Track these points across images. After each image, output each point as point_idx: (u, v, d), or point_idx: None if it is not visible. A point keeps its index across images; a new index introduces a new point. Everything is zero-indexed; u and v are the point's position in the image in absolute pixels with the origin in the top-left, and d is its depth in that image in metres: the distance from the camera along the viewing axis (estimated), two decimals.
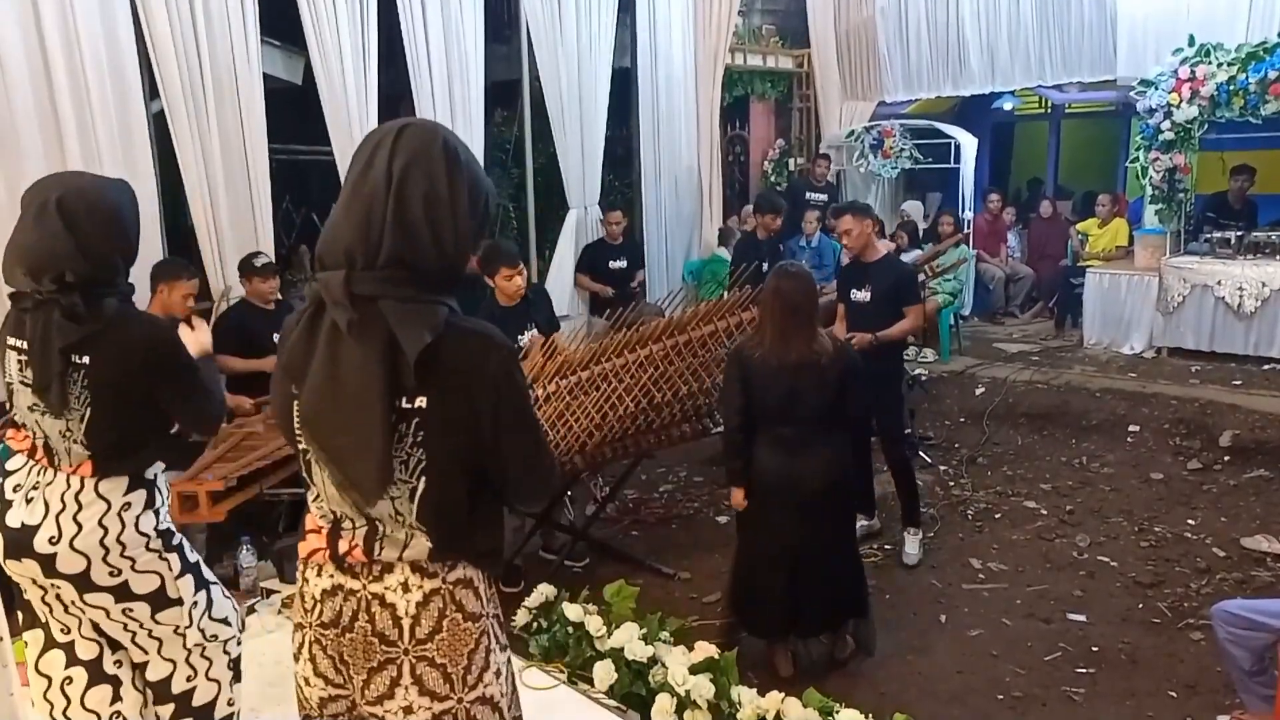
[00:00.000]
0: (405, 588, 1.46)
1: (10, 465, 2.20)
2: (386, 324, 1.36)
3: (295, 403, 1.46)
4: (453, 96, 5.97)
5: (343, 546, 1.48)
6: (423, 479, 1.43)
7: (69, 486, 2.10)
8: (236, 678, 2.39)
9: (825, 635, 3.51)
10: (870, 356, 4.04)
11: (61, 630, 2.25)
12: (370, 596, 1.47)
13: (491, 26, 6.26)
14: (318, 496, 1.52)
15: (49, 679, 2.28)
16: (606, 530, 4.67)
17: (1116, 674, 3.39)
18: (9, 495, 2.15)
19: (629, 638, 3.01)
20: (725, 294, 5.04)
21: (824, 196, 8.75)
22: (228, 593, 2.39)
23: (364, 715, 1.52)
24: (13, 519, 2.11)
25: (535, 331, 4.34)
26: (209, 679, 2.31)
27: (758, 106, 9.55)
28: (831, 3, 9.46)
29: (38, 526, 2.08)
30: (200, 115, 4.78)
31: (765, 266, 6.39)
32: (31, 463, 2.16)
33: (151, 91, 4.67)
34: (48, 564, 2.08)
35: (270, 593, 3.76)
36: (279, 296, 4.83)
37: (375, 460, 1.38)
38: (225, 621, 2.32)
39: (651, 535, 4.73)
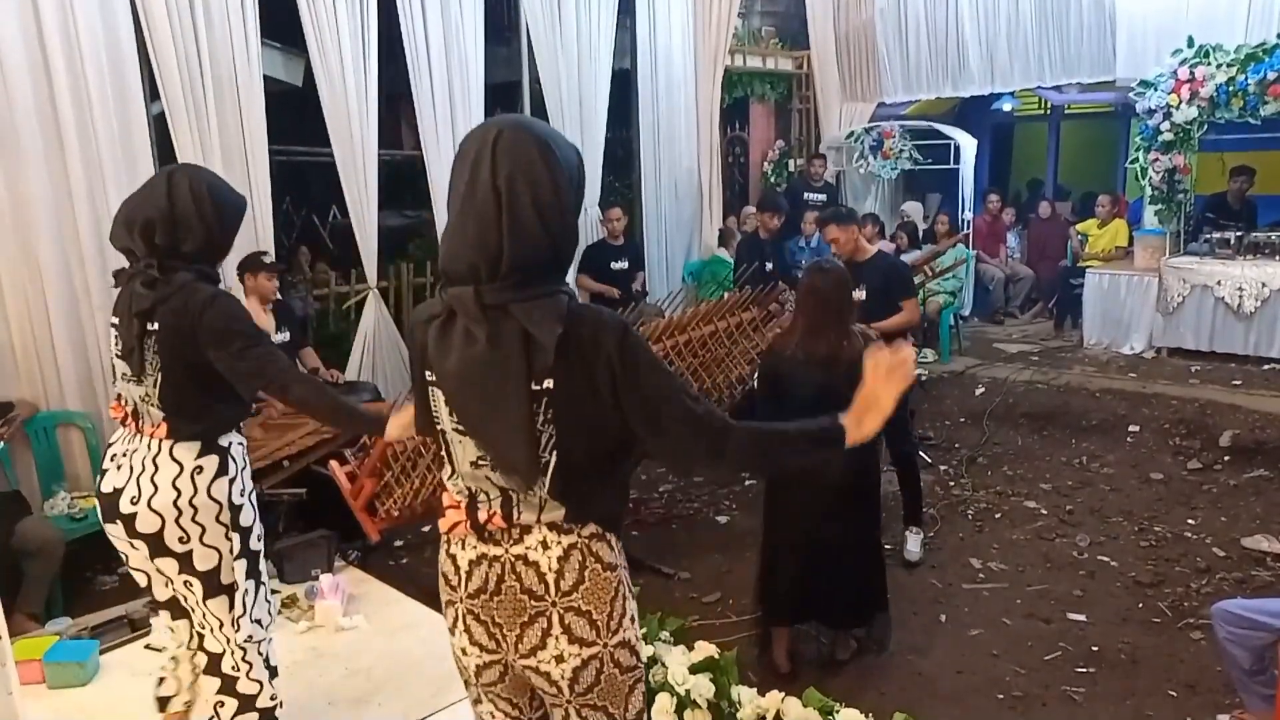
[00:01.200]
0: (545, 545, 1.58)
1: (112, 438, 2.38)
2: (518, 323, 1.48)
3: (431, 391, 1.60)
4: (453, 98, 5.97)
5: (482, 516, 1.60)
6: (554, 453, 1.54)
7: (149, 449, 2.27)
8: (273, 674, 2.49)
9: (853, 630, 3.52)
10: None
11: (163, 585, 2.40)
12: (514, 559, 1.59)
13: (491, 28, 6.25)
14: (453, 474, 1.65)
15: (172, 630, 2.50)
16: None
17: (1116, 674, 3.39)
18: (106, 464, 2.34)
19: None
20: (725, 295, 5.04)
21: (823, 196, 8.75)
22: (270, 595, 2.49)
23: (519, 670, 1.64)
24: (107, 484, 2.29)
25: None
26: (251, 679, 2.42)
27: (757, 108, 9.56)
28: (831, 4, 9.47)
29: (123, 489, 2.25)
30: (200, 117, 4.78)
31: (769, 266, 6.44)
32: (125, 431, 2.34)
33: (152, 93, 4.67)
34: (129, 524, 2.24)
35: (271, 593, 3.75)
36: (278, 297, 4.84)
37: (524, 444, 1.51)
38: (260, 623, 2.41)
39: (651, 535, 4.72)
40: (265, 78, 5.14)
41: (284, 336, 4.71)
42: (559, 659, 1.59)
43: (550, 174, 1.50)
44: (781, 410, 3.38)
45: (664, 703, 2.80)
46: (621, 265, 6.66)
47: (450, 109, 5.97)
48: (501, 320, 1.50)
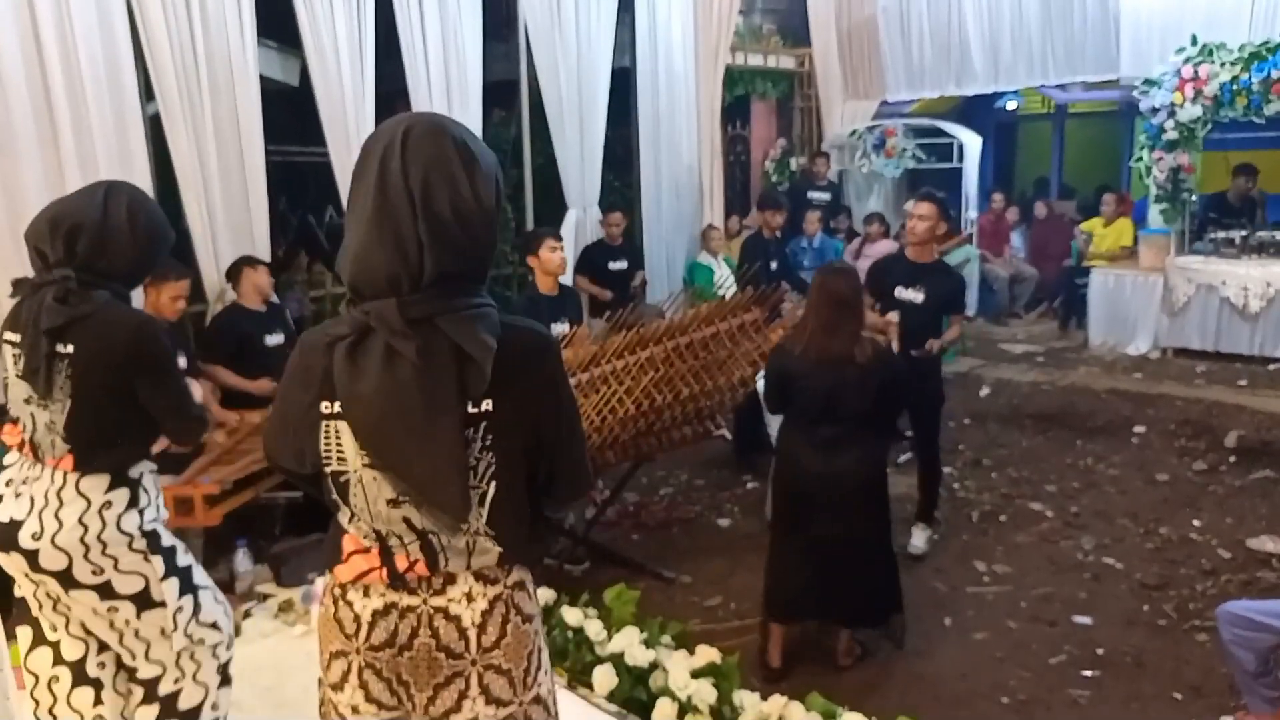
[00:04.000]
0: (469, 598, 1.44)
1: (6, 460, 2.22)
2: (447, 338, 1.35)
3: (326, 425, 1.42)
4: (450, 96, 5.94)
5: (401, 564, 1.44)
6: (493, 483, 1.41)
7: (52, 482, 2.11)
8: (225, 682, 2.36)
9: (875, 629, 3.53)
10: (918, 358, 4.04)
11: (50, 628, 2.25)
12: (432, 610, 1.44)
13: (490, 25, 6.22)
14: (353, 517, 1.46)
15: (37, 676, 2.29)
16: (606, 534, 4.63)
17: (1121, 677, 3.35)
18: (1, 490, 2.16)
19: (629, 642, 2.98)
20: (703, 306, 5.00)
21: (827, 196, 8.72)
22: (220, 597, 2.36)
23: None
24: (2, 514, 2.12)
25: (566, 325, 4.39)
26: (196, 682, 2.29)
27: (759, 106, 9.52)
28: (833, 1, 9.42)
29: (22, 522, 2.09)
30: (196, 116, 4.75)
31: (773, 266, 6.40)
32: (22, 458, 2.18)
33: (147, 93, 4.64)
34: (32, 560, 2.08)
35: (266, 597, 3.72)
36: (274, 298, 4.80)
37: (456, 475, 1.37)
38: (215, 626, 2.30)
39: (652, 539, 4.69)
40: (261, 77, 5.10)
41: (278, 339, 4.65)
42: None
43: (468, 173, 1.37)
44: (789, 410, 3.36)
45: (665, 708, 2.76)
46: (620, 266, 6.62)
47: (448, 107, 5.93)
48: (430, 336, 1.35)
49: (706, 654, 2.93)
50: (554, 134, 6.75)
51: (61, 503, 2.09)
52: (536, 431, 1.44)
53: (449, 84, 5.92)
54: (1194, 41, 6.99)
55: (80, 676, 2.25)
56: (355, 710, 1.48)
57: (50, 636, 2.26)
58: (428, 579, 1.44)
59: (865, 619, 3.49)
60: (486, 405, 1.38)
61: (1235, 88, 6.78)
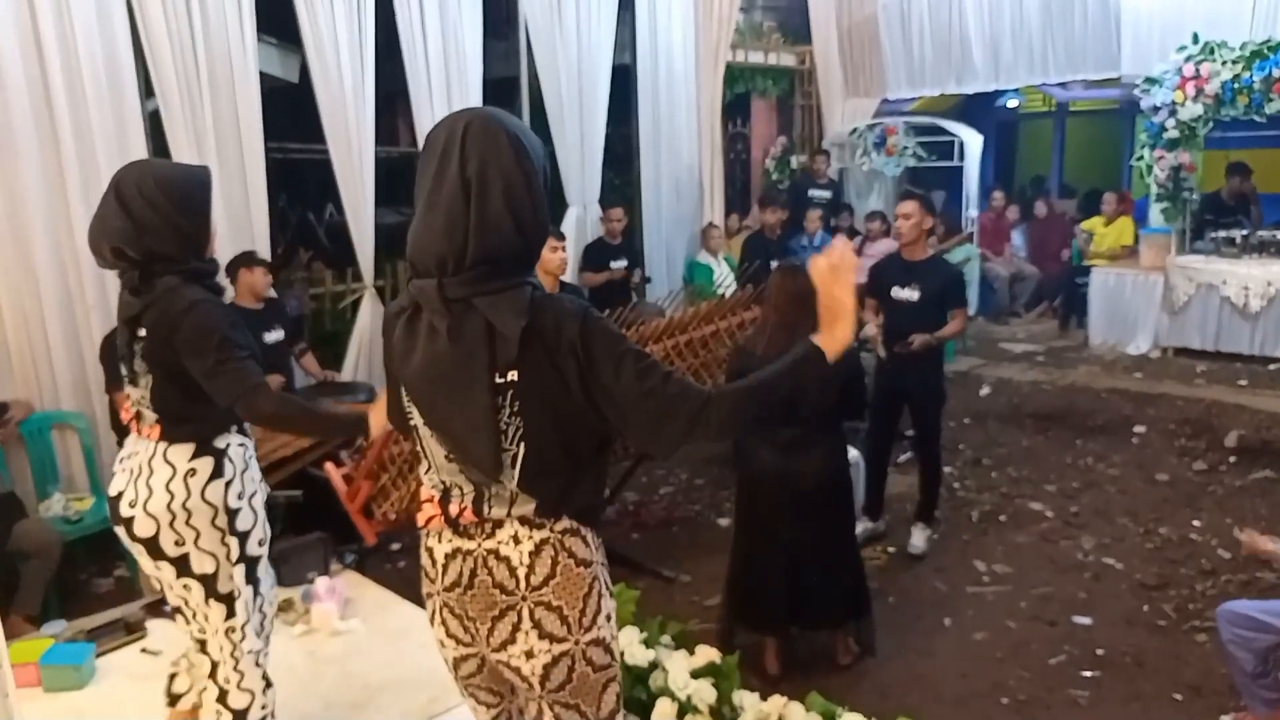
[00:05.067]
0: (516, 540, 1.57)
1: (126, 441, 2.37)
2: (482, 316, 1.48)
3: (403, 390, 1.61)
4: (450, 93, 5.92)
5: (454, 510, 1.60)
6: (522, 445, 1.53)
7: (147, 453, 2.25)
8: (268, 685, 2.44)
9: (825, 632, 3.49)
10: (919, 356, 4.03)
11: (169, 590, 2.35)
12: (485, 553, 1.58)
13: (490, 22, 6.21)
14: (429, 469, 1.65)
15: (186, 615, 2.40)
16: (606, 533, 4.55)
17: (1121, 677, 3.36)
18: (115, 466, 2.33)
19: (629, 642, 2.97)
20: (703, 305, 4.99)
21: (828, 194, 8.71)
22: (268, 606, 2.44)
23: (493, 664, 1.64)
24: (113, 488, 2.28)
25: None
26: (242, 690, 2.37)
27: (759, 104, 9.51)
28: None
29: (124, 492, 2.24)
30: (196, 113, 4.74)
31: (774, 265, 6.39)
32: (133, 434, 2.32)
33: (147, 90, 4.63)
34: (129, 528, 2.22)
35: (266, 603, 3.72)
36: (273, 295, 4.79)
37: (487, 438, 1.51)
38: (257, 633, 2.38)
39: (652, 538, 4.70)
40: (261, 74, 5.09)
41: (278, 335, 4.65)
42: (529, 654, 1.58)
43: (521, 166, 1.49)
44: None
45: (665, 708, 2.76)
46: (620, 264, 6.62)
47: (448, 105, 5.92)
48: (464, 314, 1.49)
49: (706, 653, 2.92)
50: (554, 132, 6.74)
51: (152, 471, 2.22)
52: (567, 397, 1.51)
53: (449, 81, 5.91)
54: (1195, 40, 6.98)
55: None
56: (441, 644, 1.69)
57: (173, 602, 2.39)
58: (478, 524, 1.59)
59: (829, 622, 3.46)
60: (512, 375, 1.50)
61: (1236, 86, 6.77)
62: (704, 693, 2.77)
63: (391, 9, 5.60)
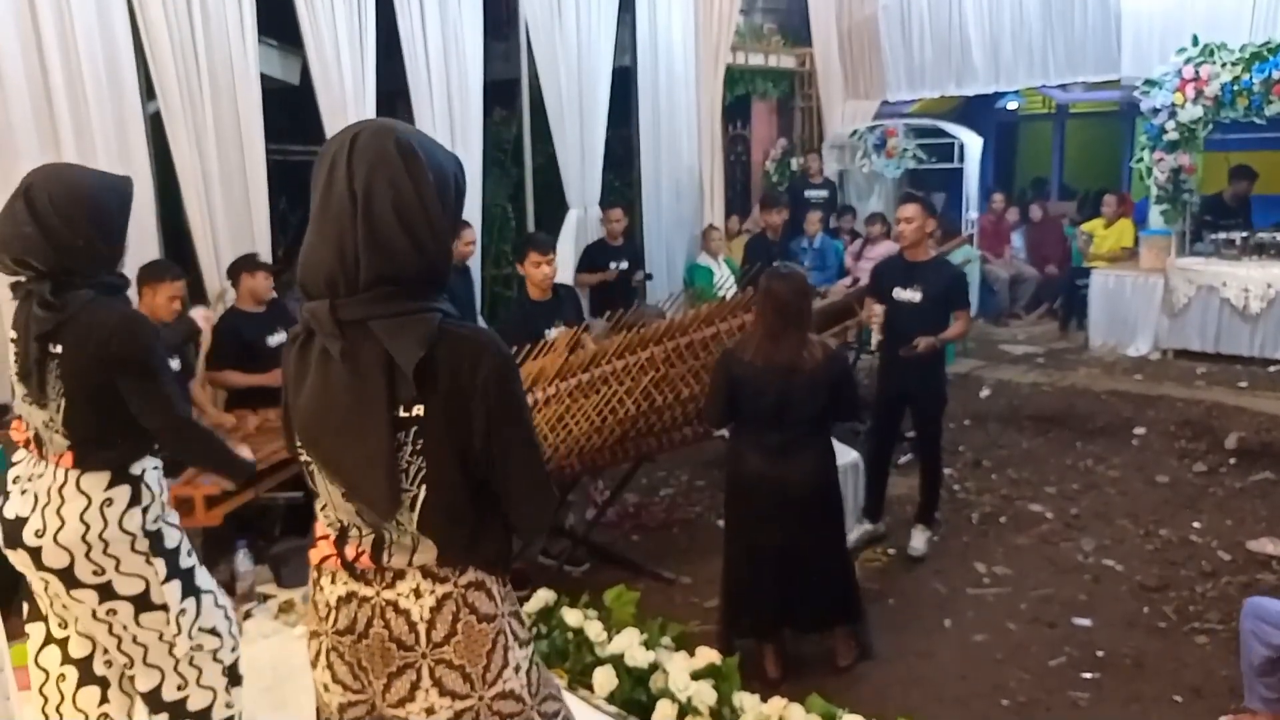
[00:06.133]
0: (417, 593, 1.47)
1: (15, 457, 2.22)
2: (379, 342, 1.37)
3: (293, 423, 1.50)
4: (451, 95, 5.93)
5: (350, 552, 1.49)
6: (423, 487, 1.42)
7: (54, 479, 2.10)
8: (234, 682, 2.36)
9: (817, 635, 3.49)
10: (921, 358, 4.03)
11: (59, 625, 2.26)
12: (384, 603, 1.48)
13: (490, 24, 6.22)
14: (324, 505, 1.54)
15: (46, 673, 2.29)
16: (607, 535, 4.63)
17: (1121, 679, 3.35)
18: (9, 486, 2.17)
19: (629, 643, 2.98)
20: (704, 306, 4.98)
21: (824, 193, 8.71)
22: (223, 600, 2.36)
23: (386, 717, 1.54)
24: (9, 510, 2.13)
25: (563, 327, 4.31)
26: (201, 686, 2.28)
27: (759, 106, 9.51)
28: (833, 1, 9.41)
29: (27, 519, 2.09)
30: (197, 115, 4.74)
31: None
32: (28, 454, 2.17)
33: (148, 91, 4.63)
34: (35, 557, 2.08)
35: (267, 597, 3.72)
36: (274, 295, 4.79)
37: (384, 476, 1.39)
38: (214, 632, 2.29)
39: (652, 540, 4.69)
40: (262, 76, 5.10)
41: (282, 338, 4.66)
42: (429, 711, 1.49)
43: (411, 175, 1.37)
44: (737, 417, 3.33)
45: (665, 709, 2.76)
46: (621, 266, 6.61)
47: (449, 107, 5.93)
48: (361, 339, 1.37)
49: (706, 655, 2.93)
50: (554, 133, 6.74)
51: (63, 500, 2.08)
52: (471, 440, 1.42)
53: (449, 83, 5.92)
54: (1195, 42, 6.97)
55: (87, 675, 2.26)
56: (325, 688, 1.57)
57: (58, 634, 2.26)
58: (379, 571, 1.48)
59: (819, 626, 3.46)
60: (418, 410, 1.39)
61: (1236, 88, 6.77)
62: (704, 694, 2.78)
63: (392, 10, 5.61)
